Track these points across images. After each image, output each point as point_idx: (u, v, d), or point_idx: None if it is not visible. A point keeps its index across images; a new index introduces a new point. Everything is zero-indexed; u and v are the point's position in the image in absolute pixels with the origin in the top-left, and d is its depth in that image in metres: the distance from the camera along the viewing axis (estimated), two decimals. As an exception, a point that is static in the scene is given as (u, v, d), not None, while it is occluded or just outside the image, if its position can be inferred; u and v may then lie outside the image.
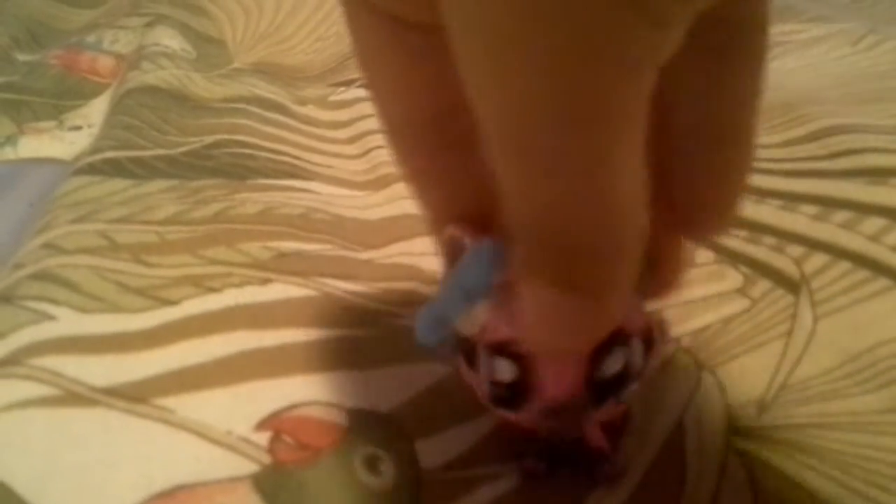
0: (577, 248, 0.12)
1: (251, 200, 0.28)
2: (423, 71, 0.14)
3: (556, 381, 0.15)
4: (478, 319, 0.15)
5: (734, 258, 0.25)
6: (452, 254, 0.16)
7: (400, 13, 0.13)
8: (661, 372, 0.21)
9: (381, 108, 0.15)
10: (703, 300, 0.24)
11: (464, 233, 0.15)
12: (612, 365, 0.15)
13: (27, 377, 0.20)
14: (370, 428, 0.20)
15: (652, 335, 0.16)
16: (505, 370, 0.15)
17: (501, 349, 0.15)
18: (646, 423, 0.20)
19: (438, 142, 0.15)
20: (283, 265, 0.24)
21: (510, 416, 0.16)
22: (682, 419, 0.20)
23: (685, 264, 0.17)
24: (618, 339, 0.15)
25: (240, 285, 0.23)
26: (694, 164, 0.15)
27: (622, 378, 0.15)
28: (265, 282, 0.24)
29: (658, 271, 0.16)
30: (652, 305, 0.16)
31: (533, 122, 0.10)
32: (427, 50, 0.14)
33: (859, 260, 0.24)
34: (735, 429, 0.20)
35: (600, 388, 0.15)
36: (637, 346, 0.15)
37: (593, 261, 0.12)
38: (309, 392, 0.20)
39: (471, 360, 0.16)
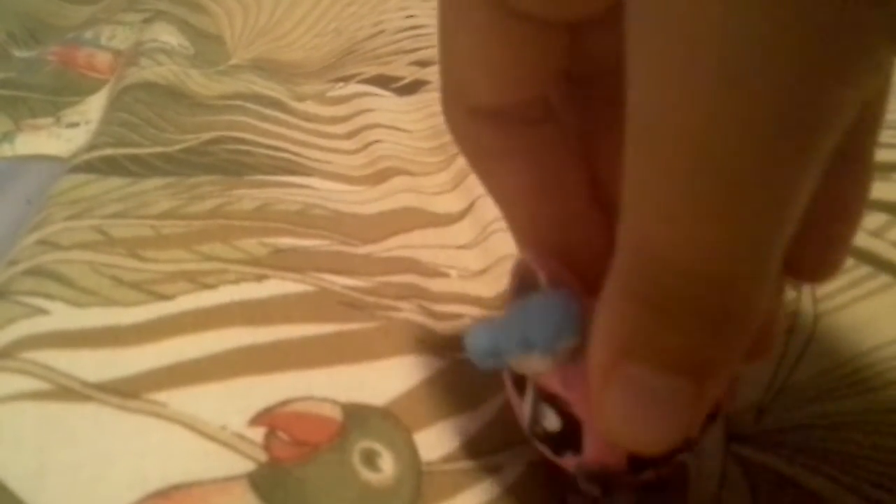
0: (704, 312, 0.10)
1: (248, 196, 0.27)
2: (531, 172, 0.14)
3: (601, 451, 0.14)
4: (532, 369, 0.14)
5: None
6: (521, 282, 0.15)
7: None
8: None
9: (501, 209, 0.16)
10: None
11: (540, 267, 0.14)
12: None
13: (19, 371, 0.19)
14: (367, 422, 0.19)
15: (718, 409, 0.14)
16: (552, 421, 0.14)
17: (552, 400, 0.14)
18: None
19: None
20: (280, 261, 0.24)
21: (548, 454, 0.15)
22: None
23: (778, 327, 0.16)
24: None
25: (235, 282, 0.23)
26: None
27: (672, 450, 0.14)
28: (261, 278, 0.23)
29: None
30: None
31: (729, 142, 0.09)
32: (534, 147, 0.14)
33: (861, 256, 0.24)
34: (734, 435, 0.20)
35: (646, 459, 0.14)
36: None
37: (716, 331, 0.10)
38: (303, 387, 0.20)
39: (520, 388, 0.15)
